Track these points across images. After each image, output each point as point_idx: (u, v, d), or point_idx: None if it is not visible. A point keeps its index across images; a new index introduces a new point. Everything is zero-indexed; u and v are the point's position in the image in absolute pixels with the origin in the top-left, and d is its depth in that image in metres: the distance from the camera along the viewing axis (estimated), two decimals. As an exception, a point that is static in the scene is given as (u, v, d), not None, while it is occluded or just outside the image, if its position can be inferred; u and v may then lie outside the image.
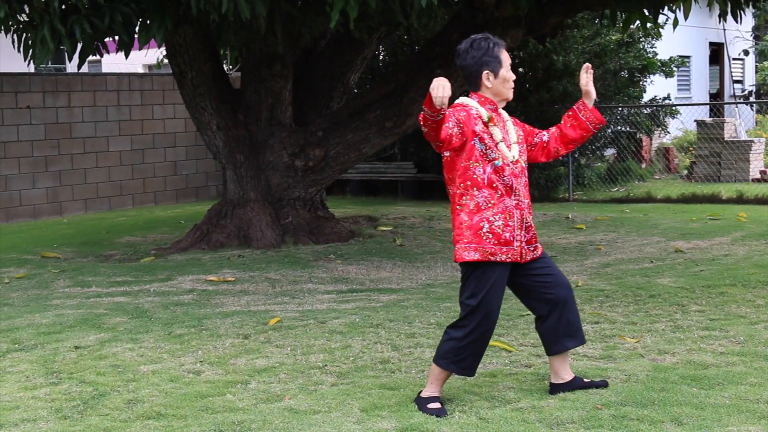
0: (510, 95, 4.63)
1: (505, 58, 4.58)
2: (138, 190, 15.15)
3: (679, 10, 9.70)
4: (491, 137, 4.48)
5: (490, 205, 4.47)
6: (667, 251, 9.40)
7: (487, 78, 4.54)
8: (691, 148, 18.33)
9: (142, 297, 7.76)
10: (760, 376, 4.88)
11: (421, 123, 4.28)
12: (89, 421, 4.56)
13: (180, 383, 5.16)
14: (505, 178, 4.49)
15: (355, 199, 15.84)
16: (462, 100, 4.57)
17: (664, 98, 17.62)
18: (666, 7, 9.85)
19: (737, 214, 11.90)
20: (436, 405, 4.51)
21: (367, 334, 6.14)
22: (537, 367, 5.23)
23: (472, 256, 4.45)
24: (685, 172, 17.13)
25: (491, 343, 5.00)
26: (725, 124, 16.40)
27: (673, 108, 17.23)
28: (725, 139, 16.24)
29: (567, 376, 4.74)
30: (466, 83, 4.62)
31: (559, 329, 4.64)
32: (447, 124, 4.34)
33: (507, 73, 4.57)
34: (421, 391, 4.66)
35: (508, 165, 4.50)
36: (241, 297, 7.71)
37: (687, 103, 19.84)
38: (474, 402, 4.64)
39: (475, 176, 4.46)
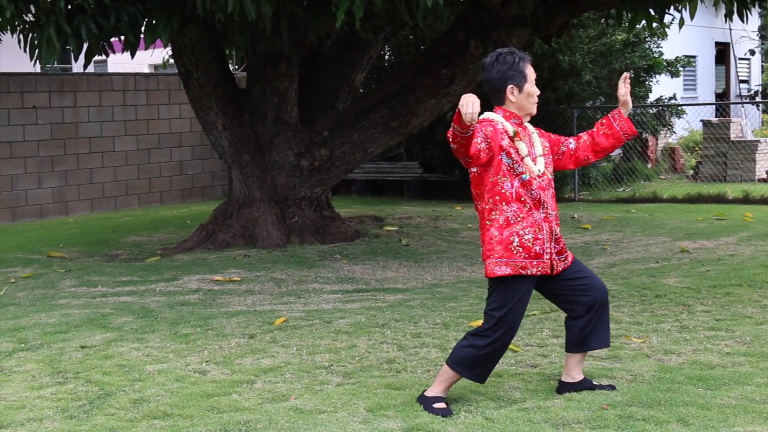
0: (534, 110, 4.62)
1: (530, 72, 4.57)
2: (144, 190, 15.17)
3: (685, 9, 9.68)
4: (517, 152, 4.49)
5: (519, 219, 4.47)
6: (673, 251, 9.38)
7: (511, 92, 4.53)
8: (697, 148, 18.30)
9: (148, 297, 7.77)
10: (767, 377, 4.87)
11: (450, 140, 4.29)
12: (95, 420, 4.57)
13: (186, 383, 5.16)
14: (532, 192, 4.49)
15: (360, 198, 15.84)
16: (487, 114, 4.56)
17: (670, 98, 17.58)
18: (672, 7, 9.83)
19: (743, 214, 11.87)
20: (442, 405, 4.52)
21: (373, 334, 6.14)
22: (543, 367, 5.23)
23: (504, 270, 4.46)
24: (691, 172, 17.10)
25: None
26: (731, 124, 16.36)
27: (679, 108, 17.20)
28: (731, 139, 16.20)
29: (578, 376, 4.74)
30: (490, 97, 4.62)
31: (588, 329, 4.65)
32: (475, 140, 4.34)
33: (531, 88, 4.56)
34: (425, 390, 4.66)
35: (535, 179, 4.51)
36: (246, 297, 7.71)
37: (693, 103, 19.80)
38: (480, 402, 4.64)
39: (503, 191, 4.47)
